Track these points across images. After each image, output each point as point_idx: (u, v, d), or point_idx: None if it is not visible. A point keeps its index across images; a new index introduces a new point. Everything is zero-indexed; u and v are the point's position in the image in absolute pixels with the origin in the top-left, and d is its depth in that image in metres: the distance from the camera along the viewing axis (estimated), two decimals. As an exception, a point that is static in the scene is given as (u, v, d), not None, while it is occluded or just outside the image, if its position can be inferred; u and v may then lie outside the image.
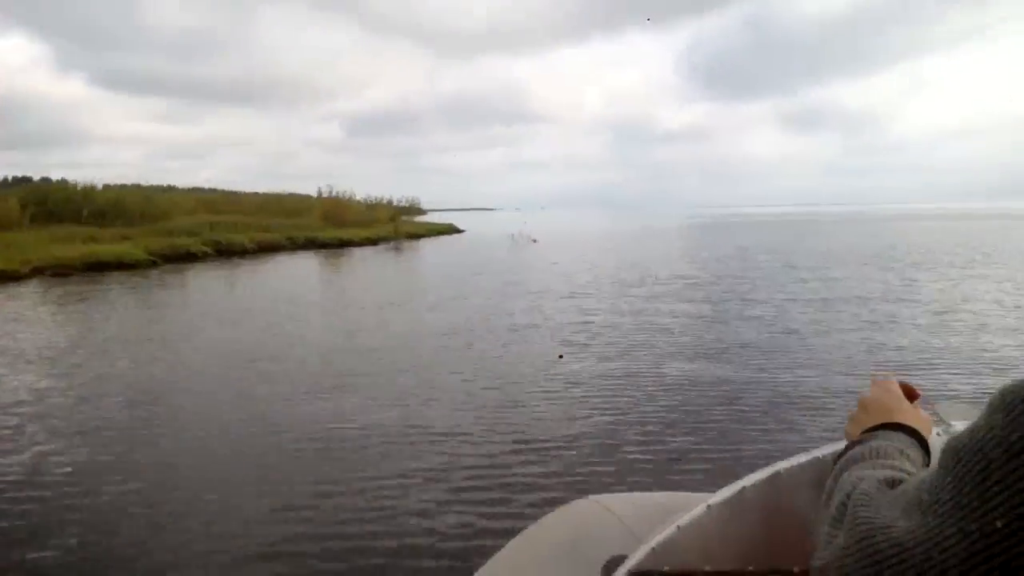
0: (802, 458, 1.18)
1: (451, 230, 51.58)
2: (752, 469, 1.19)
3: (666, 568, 1.13)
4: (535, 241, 32.41)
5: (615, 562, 1.16)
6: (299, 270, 21.40)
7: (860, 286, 13.61)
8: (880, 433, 0.68)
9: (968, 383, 6.69)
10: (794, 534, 1.12)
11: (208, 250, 25.13)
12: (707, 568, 1.13)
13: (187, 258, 23.69)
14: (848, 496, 0.55)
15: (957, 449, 0.45)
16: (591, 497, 1.39)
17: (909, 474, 0.58)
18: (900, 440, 0.66)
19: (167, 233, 26.09)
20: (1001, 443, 0.42)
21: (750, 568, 1.12)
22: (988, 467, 0.42)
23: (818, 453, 1.17)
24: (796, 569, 1.11)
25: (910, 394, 0.79)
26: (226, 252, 26.00)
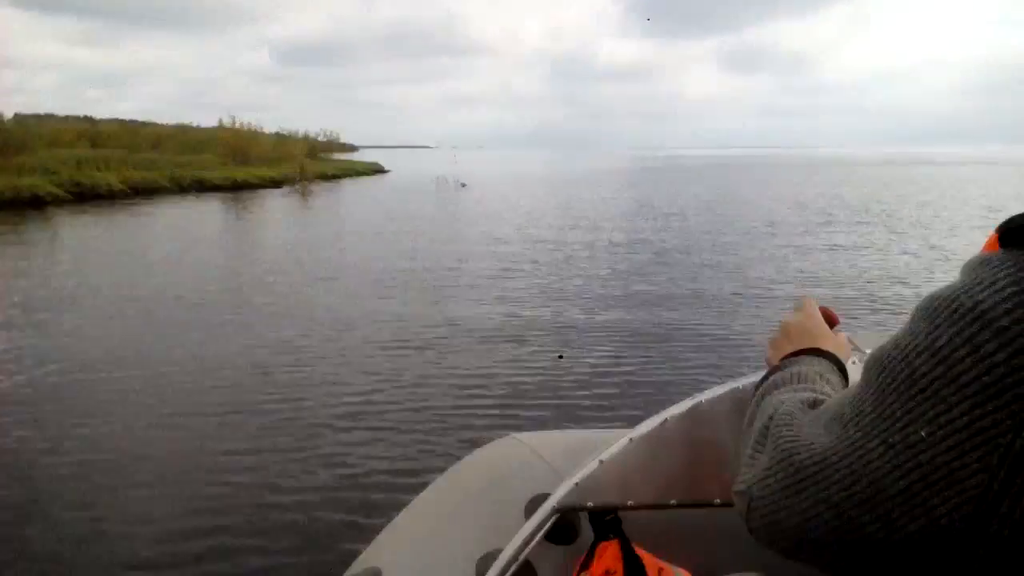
0: (722, 389, 1.28)
1: (372, 170, 50.28)
2: (674, 402, 1.30)
3: (589, 504, 1.23)
4: (464, 185, 31.90)
5: (538, 500, 1.25)
6: (161, 221, 18.70)
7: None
8: (801, 359, 0.73)
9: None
10: (715, 465, 1.23)
11: (61, 193, 22.19)
12: (630, 502, 1.23)
13: (32, 203, 20.70)
14: (770, 418, 0.58)
15: (880, 360, 0.47)
16: (512, 435, 1.47)
17: (829, 396, 0.61)
18: (821, 365, 0.71)
19: (16, 171, 22.90)
20: (926, 350, 0.43)
21: (672, 501, 1.23)
22: (912, 375, 0.43)
23: (737, 384, 1.27)
24: (718, 500, 1.21)
25: (830, 319, 0.85)
26: (89, 195, 23.07)
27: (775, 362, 0.76)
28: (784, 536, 0.51)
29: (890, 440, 0.43)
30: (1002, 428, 0.39)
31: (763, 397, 0.67)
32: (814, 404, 0.57)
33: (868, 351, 1.32)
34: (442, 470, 1.43)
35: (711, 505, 1.23)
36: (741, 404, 1.32)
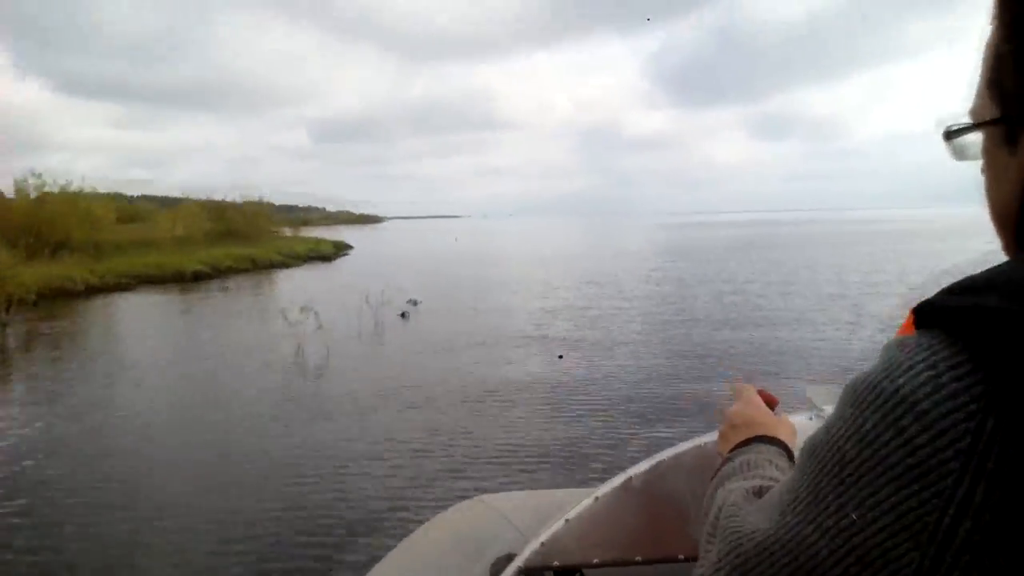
0: (684, 446, 1.30)
1: (330, 253, 41.70)
2: (637, 460, 1.33)
3: (555, 563, 1.25)
4: (409, 310, 16.14)
5: (503, 561, 1.26)
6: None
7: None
8: (750, 447, 0.76)
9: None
10: (678, 521, 1.22)
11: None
12: (595, 560, 1.24)
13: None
14: (719, 509, 0.60)
15: (813, 447, 0.48)
16: (477, 497, 1.48)
17: (776, 481, 0.64)
18: (768, 451, 0.73)
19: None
20: (854, 435, 0.44)
21: (637, 558, 1.24)
22: (842, 460, 0.45)
23: (699, 441, 1.30)
24: (681, 556, 1.21)
25: (770, 402, 0.88)
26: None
27: (724, 454, 0.79)
28: None
29: (824, 524, 0.45)
30: (928, 508, 0.41)
31: (716, 490, 0.68)
32: (760, 492, 0.60)
33: (824, 407, 1.33)
34: (408, 533, 1.46)
35: (675, 561, 1.22)
36: (703, 460, 1.33)
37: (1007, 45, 0.48)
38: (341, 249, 45.59)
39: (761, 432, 0.78)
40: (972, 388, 0.41)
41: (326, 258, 39.56)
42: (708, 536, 0.60)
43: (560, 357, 10.64)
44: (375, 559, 1.37)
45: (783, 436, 0.78)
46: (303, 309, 13.26)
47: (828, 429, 0.48)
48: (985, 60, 0.51)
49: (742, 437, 0.78)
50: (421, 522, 1.47)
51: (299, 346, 11.70)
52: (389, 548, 1.41)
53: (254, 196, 43.77)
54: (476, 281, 23.58)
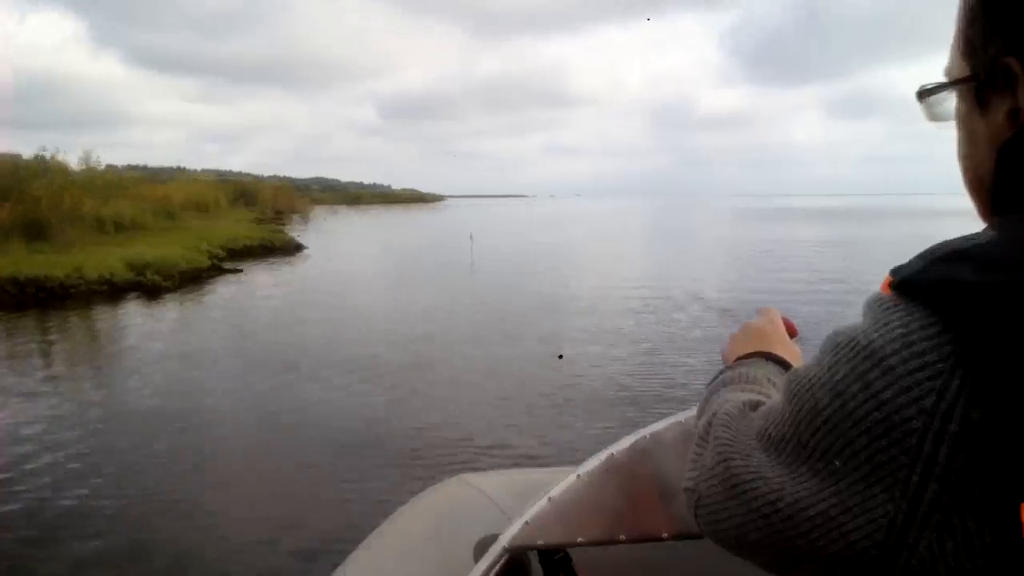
0: (666, 422, 1.27)
1: (284, 244, 29.23)
2: (619, 437, 1.30)
3: (539, 543, 1.24)
4: None
5: (487, 541, 1.26)
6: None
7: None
8: (753, 360, 0.76)
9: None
10: (661, 499, 1.20)
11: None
12: (579, 540, 1.23)
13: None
14: (714, 415, 0.62)
15: (791, 383, 0.51)
16: (460, 476, 1.49)
17: (769, 399, 0.64)
18: (770, 369, 0.74)
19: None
20: (826, 383, 0.47)
21: (621, 536, 1.23)
22: (816, 406, 0.47)
23: (680, 417, 1.26)
24: (665, 535, 1.20)
25: (791, 330, 0.88)
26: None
27: (730, 360, 0.80)
28: (727, 536, 0.55)
29: (815, 467, 0.46)
30: (898, 463, 0.42)
31: (712, 394, 0.70)
32: (755, 406, 0.61)
33: None
34: (390, 513, 1.48)
35: (659, 539, 1.21)
36: (685, 437, 1.30)
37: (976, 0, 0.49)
38: (292, 250, 29.22)
39: (767, 349, 0.78)
40: (941, 348, 0.42)
41: (293, 252, 27.96)
42: (700, 440, 0.62)
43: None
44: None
45: (790, 358, 0.78)
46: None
47: (808, 370, 0.49)
48: (958, 17, 0.51)
49: (749, 349, 0.79)
50: (400, 502, 1.49)
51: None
52: (370, 529, 1.43)
53: (310, 174, 46.39)
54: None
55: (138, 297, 17.50)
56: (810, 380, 0.48)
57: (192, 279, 20.13)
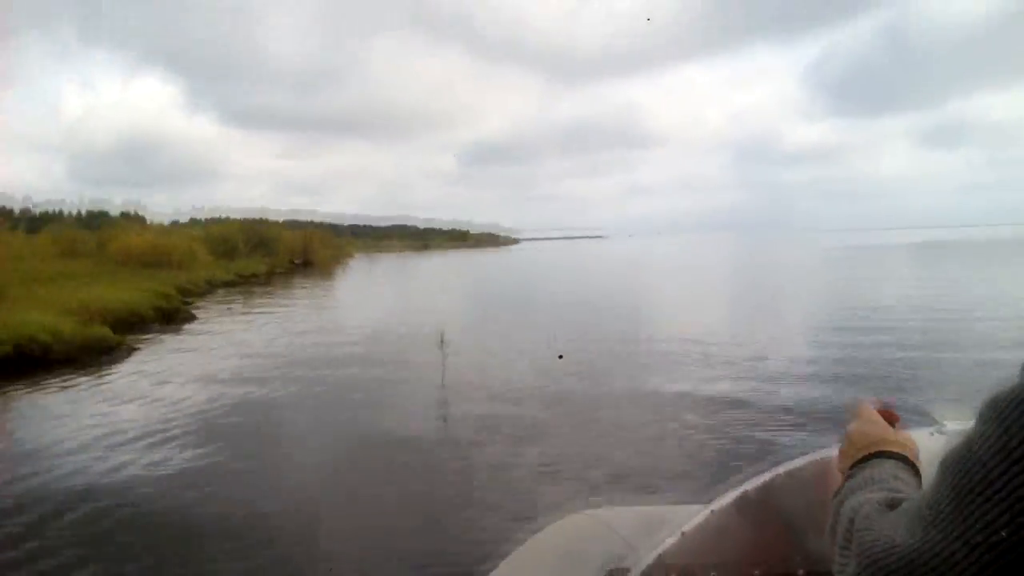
0: (802, 460, 1.25)
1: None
2: (753, 474, 1.28)
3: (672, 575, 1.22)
4: None
5: (618, 574, 1.26)
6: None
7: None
8: (871, 462, 0.76)
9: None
10: (797, 535, 1.20)
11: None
12: (713, 574, 1.21)
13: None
14: (851, 522, 0.60)
15: (955, 462, 0.49)
16: (585, 512, 1.49)
17: (902, 493, 0.65)
18: (890, 466, 0.75)
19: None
20: (999, 452, 0.45)
21: (756, 573, 1.20)
22: (987, 477, 0.45)
23: (817, 456, 1.25)
24: (801, 572, 1.18)
25: (890, 418, 0.88)
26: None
27: (845, 470, 0.80)
28: None
29: (973, 541, 0.45)
30: None
31: (841, 504, 0.69)
32: (891, 504, 0.61)
33: (947, 424, 1.22)
34: (514, 547, 1.47)
35: (794, 575, 1.18)
36: (822, 474, 1.27)
37: None
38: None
39: (882, 448, 0.78)
40: None
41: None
42: (842, 548, 0.61)
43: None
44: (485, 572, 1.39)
45: (904, 451, 0.78)
46: None
47: (969, 444, 0.48)
48: None
49: (862, 454, 0.79)
50: (525, 535, 1.49)
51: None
52: (495, 562, 1.43)
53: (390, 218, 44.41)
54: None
55: None
56: (976, 452, 0.46)
57: None
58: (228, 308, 23.47)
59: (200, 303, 24.06)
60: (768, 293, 24.76)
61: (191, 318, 20.09)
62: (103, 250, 29.69)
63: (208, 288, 28.70)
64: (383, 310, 23.08)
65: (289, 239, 51.68)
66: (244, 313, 22.00)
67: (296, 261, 48.41)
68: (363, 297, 30.11)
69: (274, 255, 46.28)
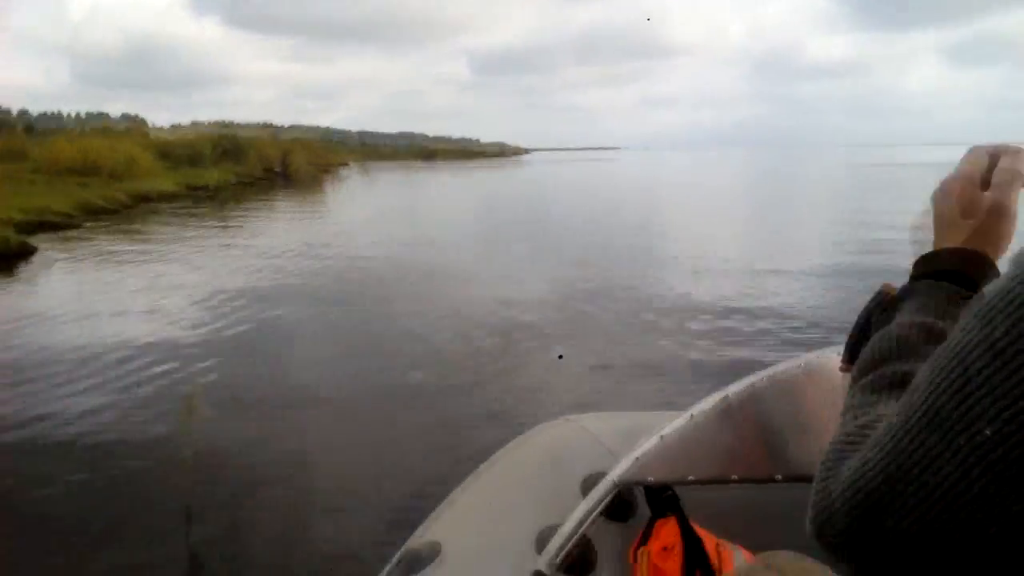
0: (782, 366, 1.24)
1: None
2: (734, 380, 1.27)
3: (649, 479, 1.24)
4: None
5: (594, 478, 1.27)
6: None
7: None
8: (921, 284, 0.63)
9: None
10: (776, 442, 1.19)
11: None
12: (690, 478, 1.22)
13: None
14: (866, 414, 0.53)
15: (934, 357, 0.45)
16: (565, 417, 1.50)
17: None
18: (941, 293, 0.61)
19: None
20: (980, 343, 0.42)
21: (733, 477, 1.21)
22: (966, 372, 0.42)
23: (797, 362, 1.23)
24: (779, 477, 1.18)
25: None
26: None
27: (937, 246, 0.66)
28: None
29: (956, 443, 0.42)
30: None
31: (877, 328, 0.61)
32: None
33: None
34: (494, 451, 1.49)
35: (772, 481, 1.19)
36: (801, 381, 1.26)
37: None
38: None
39: (945, 244, 0.63)
40: None
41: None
42: (850, 433, 0.52)
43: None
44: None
45: (983, 244, 0.62)
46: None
47: (947, 343, 0.44)
48: None
49: (936, 245, 0.64)
50: (504, 441, 1.51)
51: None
52: (475, 466, 1.46)
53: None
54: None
55: None
56: (954, 348, 0.43)
57: None
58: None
59: (73, 234, 15.35)
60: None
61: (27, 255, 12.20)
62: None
63: (126, 204, 21.05)
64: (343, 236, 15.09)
65: (261, 146, 44.98)
66: (110, 254, 12.55)
67: (276, 170, 42.51)
68: (330, 220, 20.12)
69: (245, 165, 39.67)
